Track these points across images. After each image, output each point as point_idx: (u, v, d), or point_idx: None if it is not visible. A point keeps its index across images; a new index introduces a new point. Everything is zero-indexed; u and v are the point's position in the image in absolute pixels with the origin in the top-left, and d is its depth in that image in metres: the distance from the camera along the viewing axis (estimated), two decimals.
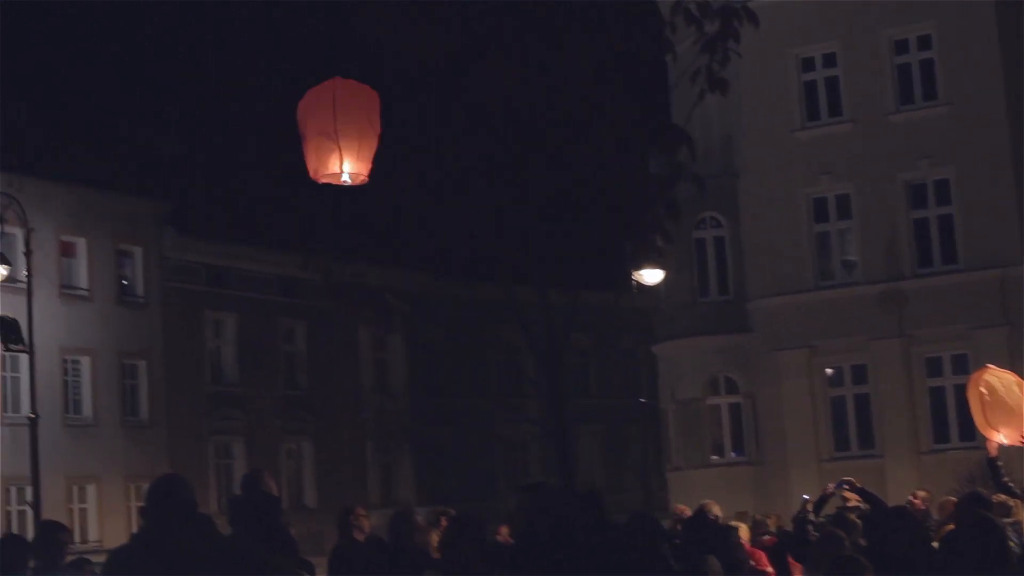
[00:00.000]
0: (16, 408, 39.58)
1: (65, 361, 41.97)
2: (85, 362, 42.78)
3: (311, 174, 11.03)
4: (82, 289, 42.99)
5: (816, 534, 12.39)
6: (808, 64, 38.90)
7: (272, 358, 48.54)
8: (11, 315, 28.02)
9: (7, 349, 28.94)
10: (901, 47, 37.84)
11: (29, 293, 27.88)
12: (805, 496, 14.63)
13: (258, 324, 47.84)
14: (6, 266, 27.03)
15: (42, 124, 45.98)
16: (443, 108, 34.92)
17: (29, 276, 28.06)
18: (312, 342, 49.98)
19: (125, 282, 44.61)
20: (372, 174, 10.82)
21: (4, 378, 40.03)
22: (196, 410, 45.52)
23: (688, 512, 17.27)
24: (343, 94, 11.03)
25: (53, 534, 10.32)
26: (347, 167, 10.96)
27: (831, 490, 14.46)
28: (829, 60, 38.62)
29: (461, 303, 51.28)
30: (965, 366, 33.74)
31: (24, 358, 32.26)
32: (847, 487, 14.34)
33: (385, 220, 42.38)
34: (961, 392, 20.00)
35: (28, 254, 28.04)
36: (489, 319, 50.96)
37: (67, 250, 42.66)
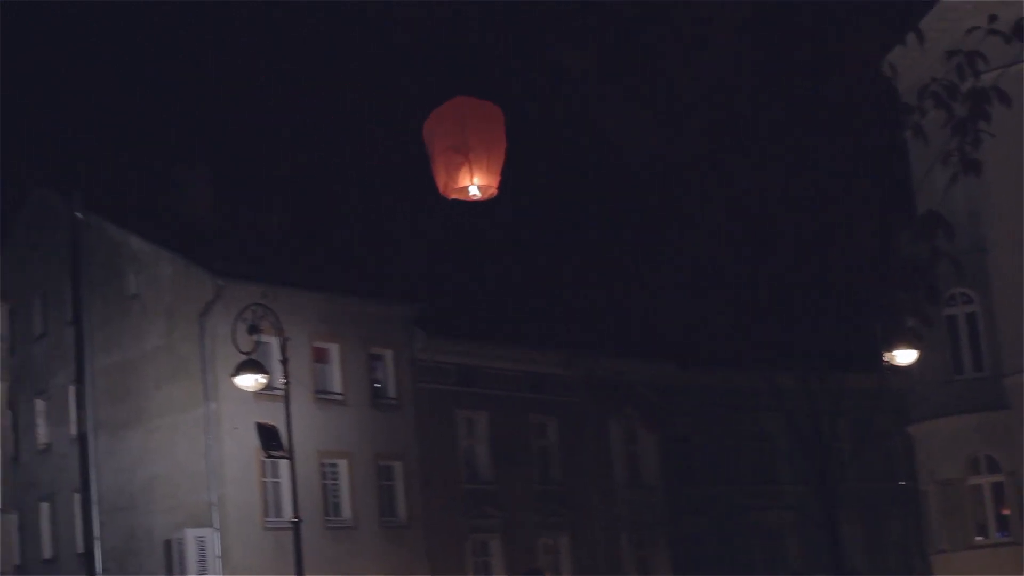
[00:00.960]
0: (278, 512, 40.43)
1: (323, 465, 42.70)
2: (342, 465, 43.45)
3: (440, 190, 11.07)
4: (336, 393, 43.76)
5: None
6: None
7: (525, 454, 48.71)
8: (270, 422, 28.62)
9: (268, 455, 29.54)
10: None
11: (287, 400, 28.37)
12: None
13: (509, 421, 48.10)
14: (264, 375, 27.59)
15: (293, 235, 47.30)
16: (691, 202, 35.02)
17: (286, 383, 28.58)
18: (564, 436, 50.05)
19: (378, 385, 45.26)
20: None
21: (265, 484, 40.93)
22: (452, 509, 45.85)
23: None
24: (470, 110, 11.16)
25: None
26: (477, 180, 11.05)
27: None
28: None
29: (710, 392, 51.02)
30: None
31: (284, 463, 32.88)
32: None
33: (636, 315, 42.53)
34: None
35: (284, 362, 28.55)
36: (739, 407, 50.57)
37: (320, 356, 43.50)
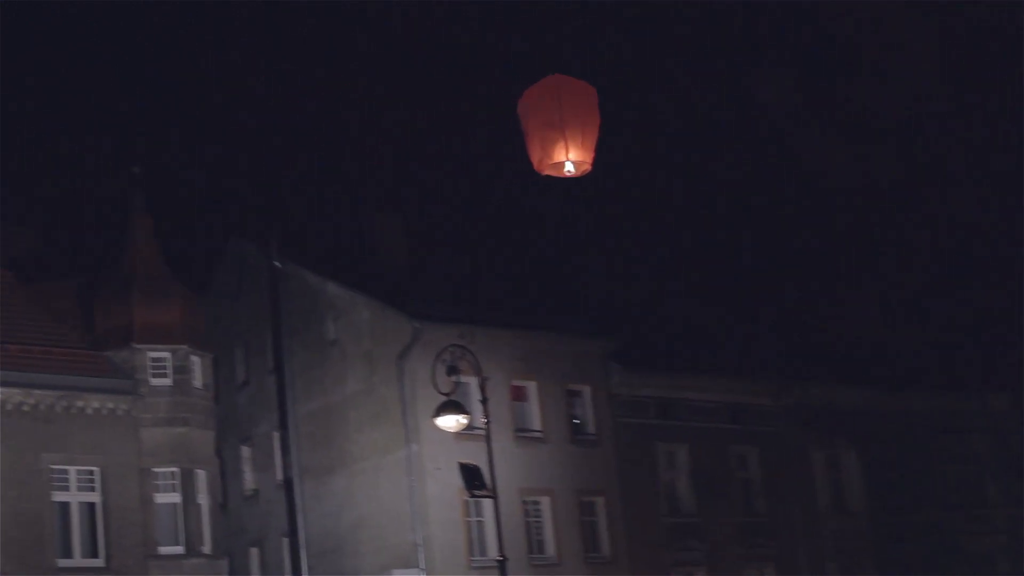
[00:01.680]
0: (483, 551, 40.57)
1: (525, 503, 42.74)
2: (545, 503, 43.45)
3: (535, 166, 11.33)
4: (535, 431, 43.80)
5: None
6: None
7: (727, 485, 48.27)
8: (472, 462, 28.75)
9: (472, 495, 29.67)
10: None
11: (488, 439, 28.50)
12: None
13: (710, 453, 47.72)
14: (465, 415, 27.78)
15: (487, 273, 47.58)
16: (896, 227, 34.64)
17: (487, 422, 28.74)
18: (765, 466, 49.49)
19: (576, 421, 45.20)
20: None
21: (469, 523, 41.09)
22: (656, 543, 45.57)
23: None
24: (565, 89, 11.36)
25: None
26: (572, 156, 11.26)
27: None
28: None
29: (915, 415, 50.13)
30: None
31: (487, 503, 33.06)
32: None
33: (841, 340, 41.95)
34: None
35: (484, 401, 28.67)
36: (946, 429, 49.56)
37: (519, 394, 43.59)
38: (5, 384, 36.39)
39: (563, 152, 11.29)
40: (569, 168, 11.37)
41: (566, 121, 11.25)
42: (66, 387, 37.37)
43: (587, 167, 11.43)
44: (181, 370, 39.00)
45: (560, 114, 11.27)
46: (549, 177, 11.41)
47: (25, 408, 36.64)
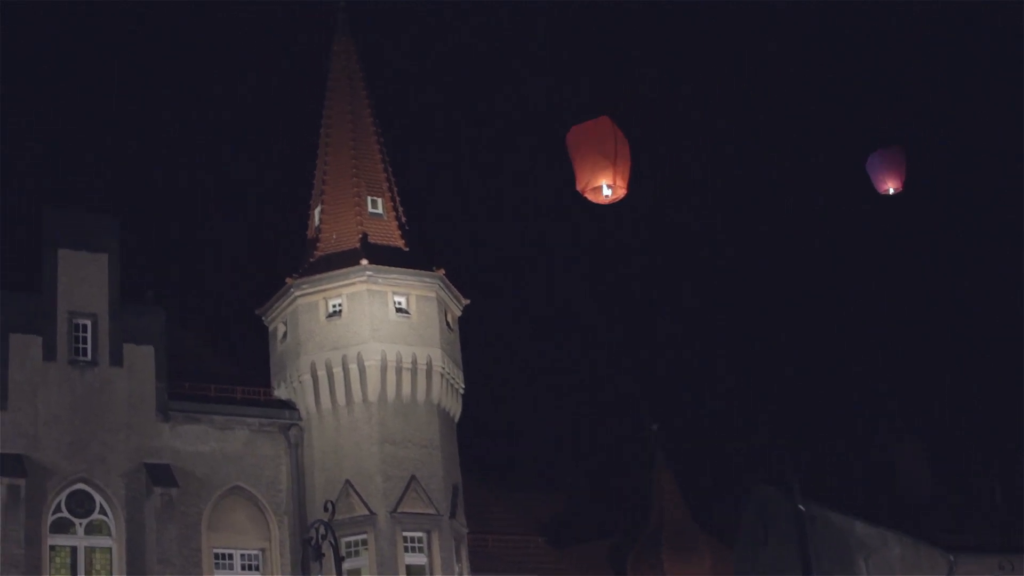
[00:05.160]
0: None
1: None
2: None
3: (579, 187, 13.85)
4: None
5: None
6: None
7: None
8: None
9: None
10: None
11: None
12: None
13: None
14: None
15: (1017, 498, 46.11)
16: None
17: None
18: None
19: None
20: None
21: None
22: None
23: None
24: (614, 130, 13.88)
25: None
26: (616, 183, 13.83)
27: None
28: None
29: None
30: None
31: None
32: None
33: None
34: None
35: None
36: None
37: None
38: None
39: (609, 179, 13.74)
40: (607, 192, 13.92)
41: (619, 153, 13.68)
42: None
43: (623, 192, 13.91)
44: None
45: (615, 147, 13.65)
46: None
47: None
